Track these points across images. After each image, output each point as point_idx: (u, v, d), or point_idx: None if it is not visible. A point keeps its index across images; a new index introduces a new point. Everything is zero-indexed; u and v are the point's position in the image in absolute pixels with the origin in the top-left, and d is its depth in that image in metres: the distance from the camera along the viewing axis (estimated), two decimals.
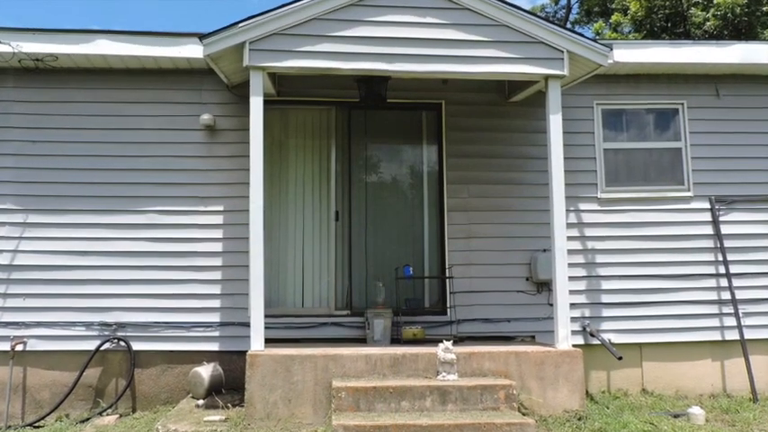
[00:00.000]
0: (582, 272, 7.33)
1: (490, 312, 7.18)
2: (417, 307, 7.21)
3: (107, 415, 6.55)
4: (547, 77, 6.30)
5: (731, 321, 7.33)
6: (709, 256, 7.48)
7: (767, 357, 7.39)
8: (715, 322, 7.38)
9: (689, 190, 7.57)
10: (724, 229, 7.49)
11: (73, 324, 6.81)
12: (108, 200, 6.98)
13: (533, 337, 7.10)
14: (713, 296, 7.42)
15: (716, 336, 7.38)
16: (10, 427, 6.53)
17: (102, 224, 6.96)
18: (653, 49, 7.42)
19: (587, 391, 6.88)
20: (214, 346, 6.88)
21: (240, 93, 7.03)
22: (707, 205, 7.55)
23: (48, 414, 6.62)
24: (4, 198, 6.93)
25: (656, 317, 7.31)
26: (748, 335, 7.30)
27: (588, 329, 7.17)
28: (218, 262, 6.99)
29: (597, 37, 16.93)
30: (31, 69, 7.00)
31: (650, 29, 15.88)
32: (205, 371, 6.46)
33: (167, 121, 7.13)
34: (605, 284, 7.36)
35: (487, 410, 5.31)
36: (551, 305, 6.50)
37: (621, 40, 14.77)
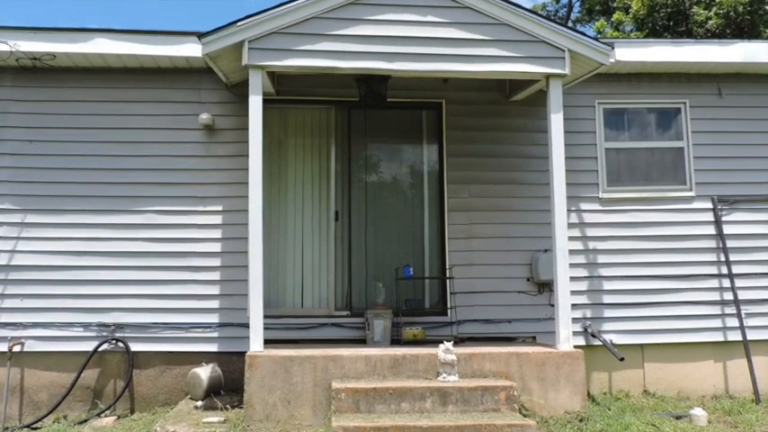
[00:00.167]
0: (583, 272, 7.30)
1: (491, 313, 7.15)
2: (417, 307, 7.18)
3: (105, 416, 6.52)
4: (548, 76, 6.28)
5: (734, 322, 7.30)
6: (712, 257, 7.45)
7: None
8: (717, 323, 7.35)
9: (691, 190, 7.53)
10: (726, 230, 7.45)
11: (71, 325, 6.78)
12: (106, 200, 6.95)
13: (534, 337, 7.06)
14: (715, 297, 7.39)
15: (718, 336, 7.34)
16: (7, 428, 6.50)
17: (100, 224, 6.92)
18: (655, 48, 7.38)
19: (589, 393, 6.84)
20: (213, 347, 6.85)
21: (239, 92, 7.00)
22: (709, 205, 7.51)
23: (45, 415, 6.58)
24: (1, 198, 6.90)
25: (657, 317, 7.28)
26: (751, 336, 7.26)
27: (590, 330, 7.14)
28: (217, 262, 6.95)
29: (599, 36, 16.87)
30: (29, 68, 6.96)
31: (652, 27, 15.86)
32: (204, 372, 6.43)
33: (166, 120, 7.10)
34: (607, 285, 7.33)
35: (488, 412, 5.29)
36: (552, 306, 6.47)
37: (623, 38, 14.74)
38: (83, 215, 6.92)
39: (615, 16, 17.23)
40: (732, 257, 7.38)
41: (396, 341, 6.71)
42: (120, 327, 6.80)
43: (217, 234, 6.99)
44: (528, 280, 7.25)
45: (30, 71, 6.99)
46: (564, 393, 5.80)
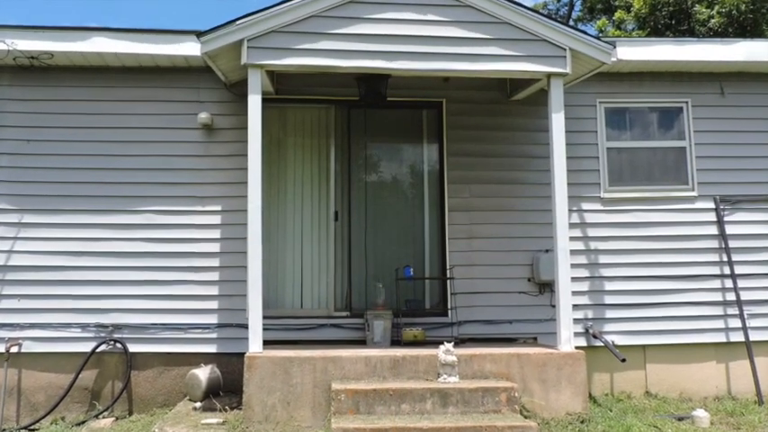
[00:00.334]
0: (585, 273, 7.27)
1: (492, 314, 7.12)
2: (418, 308, 7.16)
3: (103, 418, 6.50)
4: (549, 75, 6.25)
5: (736, 323, 7.26)
6: (714, 257, 7.41)
7: None
8: (720, 324, 7.32)
9: (693, 189, 7.50)
10: (729, 230, 7.42)
11: (68, 326, 6.75)
12: (104, 199, 6.91)
13: (535, 338, 7.04)
14: (718, 297, 7.35)
15: (721, 337, 7.31)
16: (5, 430, 6.47)
17: (98, 224, 6.89)
18: (657, 47, 7.35)
19: (590, 394, 6.81)
20: (212, 348, 6.81)
21: (238, 91, 6.97)
22: (711, 205, 7.47)
23: (43, 417, 6.54)
24: None
25: (659, 318, 7.25)
26: (753, 336, 7.22)
27: (591, 331, 7.10)
28: (215, 263, 6.92)
29: (600, 34, 16.82)
30: (27, 67, 6.94)
31: (654, 26, 15.82)
32: (202, 373, 6.40)
33: (165, 119, 7.06)
34: (608, 285, 7.29)
35: (489, 413, 5.28)
36: (554, 306, 6.45)
37: (625, 37, 14.72)
38: (81, 215, 6.88)
39: (617, 15, 17.19)
40: (734, 258, 7.34)
41: (396, 342, 6.68)
42: (118, 327, 6.77)
43: (216, 234, 6.96)
44: (529, 280, 7.22)
45: (27, 70, 6.96)
46: (565, 394, 5.78)
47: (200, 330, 6.82)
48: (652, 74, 7.58)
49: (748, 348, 7.14)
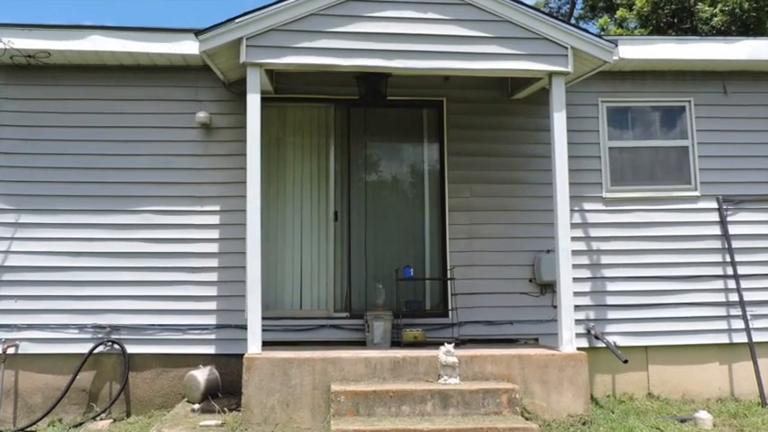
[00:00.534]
0: (586, 273, 7.22)
1: (492, 314, 7.08)
2: (418, 309, 7.12)
3: (101, 419, 6.46)
4: (550, 74, 6.23)
5: (739, 324, 7.22)
6: (717, 257, 7.37)
7: None
8: (722, 325, 7.28)
9: (696, 189, 7.46)
10: (732, 230, 7.38)
11: (66, 326, 6.71)
12: (102, 199, 6.87)
13: (537, 339, 7.00)
14: (721, 298, 7.31)
15: (723, 338, 7.27)
16: (1, 431, 6.42)
17: (95, 224, 6.85)
18: (659, 45, 7.32)
19: (592, 396, 6.77)
20: (210, 349, 6.78)
21: (237, 90, 6.92)
22: (714, 205, 7.43)
23: (40, 419, 6.51)
24: None
25: (662, 319, 7.21)
26: (756, 337, 7.18)
27: (593, 332, 7.06)
28: (214, 263, 6.88)
29: (602, 33, 16.75)
30: (23, 66, 6.90)
31: (656, 24, 15.78)
32: (201, 374, 6.37)
33: (163, 118, 7.02)
34: (610, 286, 7.25)
35: (490, 415, 5.25)
36: (555, 307, 6.42)
37: (627, 36, 14.64)
38: (78, 215, 6.84)
39: (619, 13, 17.15)
40: (737, 258, 7.31)
41: (396, 343, 6.65)
42: (115, 328, 6.73)
43: (214, 234, 6.92)
44: (530, 281, 7.17)
45: (24, 69, 6.92)
46: (567, 396, 5.75)
47: (198, 331, 6.79)
48: (654, 72, 7.53)
49: (751, 350, 7.10)
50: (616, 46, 6.42)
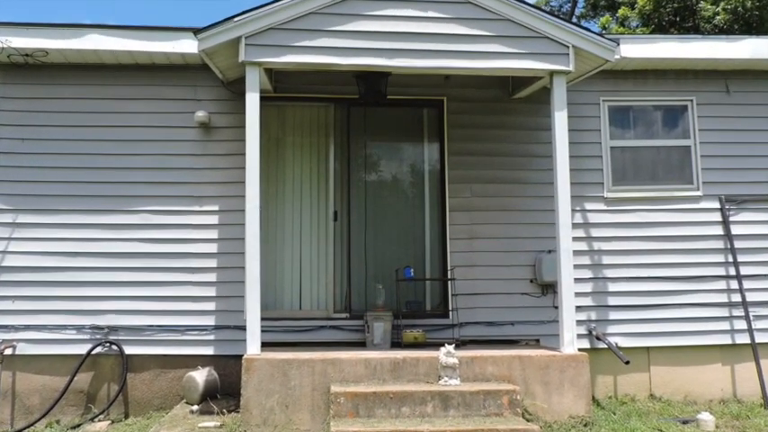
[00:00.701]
0: (588, 273, 7.18)
1: (493, 315, 7.04)
2: (418, 309, 7.09)
3: (99, 421, 6.43)
4: (552, 73, 6.20)
5: (742, 324, 7.18)
6: (719, 258, 7.33)
7: None
8: (725, 325, 7.24)
9: (698, 189, 7.42)
10: (734, 230, 7.34)
11: (63, 327, 6.67)
12: (100, 199, 6.84)
13: (538, 340, 6.98)
14: (723, 298, 7.28)
15: (726, 339, 7.24)
16: None
17: (93, 224, 6.81)
18: (661, 44, 7.29)
19: (593, 397, 6.75)
20: (209, 350, 6.74)
21: (236, 89, 6.89)
22: (717, 205, 7.40)
23: (38, 420, 6.47)
24: None
25: (664, 320, 7.17)
26: (759, 338, 7.15)
27: (594, 333, 7.03)
28: (213, 263, 6.85)
29: (604, 31, 16.70)
30: (21, 65, 6.87)
31: (658, 23, 15.75)
32: (200, 375, 6.33)
33: (161, 118, 6.99)
34: (612, 286, 7.21)
35: (490, 416, 5.22)
36: (556, 308, 6.38)
37: (629, 34, 14.59)
38: (76, 215, 6.80)
39: (620, 12, 17.12)
40: (740, 258, 7.27)
41: (396, 344, 6.63)
42: (114, 329, 6.70)
43: (213, 234, 6.89)
44: (531, 281, 7.14)
45: (22, 68, 6.89)
46: (568, 397, 5.72)
47: (197, 332, 6.75)
48: (656, 71, 7.50)
49: (754, 350, 7.06)
50: (618, 45, 6.39)
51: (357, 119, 7.38)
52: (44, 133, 6.88)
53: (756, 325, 7.17)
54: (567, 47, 6.12)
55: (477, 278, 7.08)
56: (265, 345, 5.84)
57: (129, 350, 6.67)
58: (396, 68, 6.13)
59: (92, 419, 6.46)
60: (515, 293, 7.10)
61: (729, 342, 7.23)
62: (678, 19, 15.55)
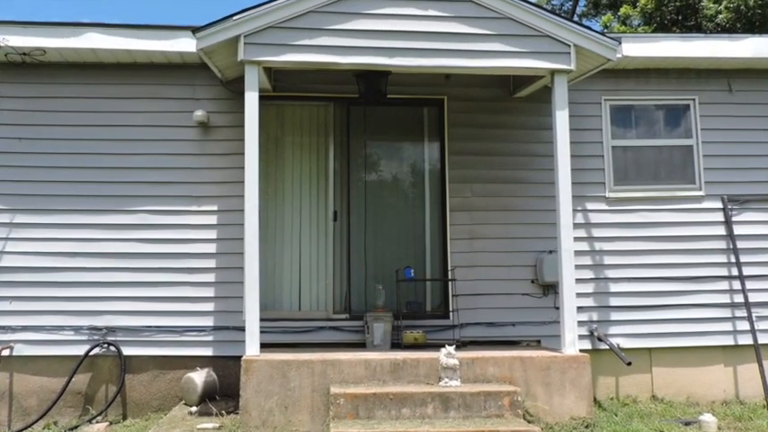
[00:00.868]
0: (589, 274, 7.15)
1: (494, 316, 7.01)
2: (418, 310, 7.06)
3: (97, 422, 6.39)
4: (553, 72, 6.17)
5: (744, 325, 7.15)
6: (722, 258, 7.30)
7: None
8: (727, 326, 7.21)
9: (700, 189, 7.38)
10: (737, 230, 7.30)
11: (61, 328, 6.64)
12: (98, 199, 6.80)
13: (539, 341, 6.95)
14: (726, 299, 7.24)
15: (728, 340, 7.20)
16: None
17: (91, 224, 6.77)
18: (663, 43, 7.26)
19: (595, 398, 6.71)
20: (208, 351, 6.71)
21: (235, 88, 6.85)
22: (719, 205, 7.36)
23: (35, 421, 6.44)
24: None
25: (666, 320, 7.13)
26: (762, 339, 7.10)
27: (596, 334, 7.00)
28: (212, 264, 6.81)
29: (605, 30, 16.63)
30: (18, 64, 6.83)
31: (660, 22, 15.70)
32: (198, 377, 6.31)
33: (159, 117, 6.96)
34: (614, 287, 7.18)
35: (491, 418, 5.19)
36: (558, 308, 6.35)
37: (630, 33, 14.56)
38: (74, 215, 6.77)
39: (622, 10, 17.05)
40: (743, 259, 7.23)
41: (396, 345, 6.60)
42: (112, 330, 6.66)
43: (212, 234, 6.85)
44: (532, 282, 7.11)
45: (19, 67, 6.86)
46: (569, 399, 5.69)
47: (195, 333, 6.72)
48: (658, 70, 7.47)
49: (757, 351, 7.03)
50: (619, 43, 6.36)
51: (357, 118, 7.35)
52: (41, 133, 6.84)
53: (759, 326, 7.13)
54: (569, 46, 6.08)
55: (477, 279, 7.04)
56: (264, 346, 5.81)
57: (127, 351, 6.63)
58: (396, 67, 6.09)
59: (90, 421, 6.42)
60: (516, 294, 7.06)
61: (732, 343, 7.19)
62: (680, 17, 15.50)
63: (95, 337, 6.64)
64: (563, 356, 5.82)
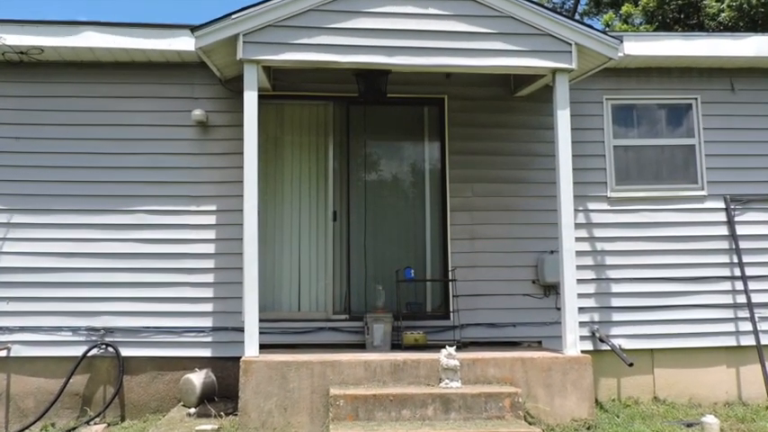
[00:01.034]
0: (591, 274, 7.12)
1: (495, 316, 6.98)
2: (419, 311, 7.04)
3: (95, 424, 6.37)
4: (554, 71, 6.14)
5: (747, 326, 7.11)
6: (724, 258, 7.26)
7: None
8: (730, 327, 7.17)
9: (703, 189, 7.35)
10: (739, 230, 7.27)
11: (59, 329, 6.60)
12: (96, 199, 6.77)
13: (540, 342, 6.93)
14: (728, 300, 7.21)
15: (731, 341, 7.16)
16: None
17: (89, 224, 6.74)
18: (665, 42, 7.22)
19: (596, 399, 6.68)
20: (206, 352, 6.67)
21: (234, 87, 6.82)
22: (721, 205, 7.32)
23: (32, 423, 6.41)
24: None
25: (668, 321, 7.10)
26: (765, 340, 7.07)
27: (597, 335, 6.97)
28: (210, 264, 6.78)
29: (607, 29, 16.65)
30: (16, 63, 6.81)
31: (662, 20, 15.66)
32: (197, 378, 6.29)
33: (158, 116, 6.92)
34: (615, 287, 7.14)
35: (492, 419, 5.18)
36: (559, 309, 6.32)
37: (632, 32, 14.54)
38: (71, 215, 6.74)
39: (624, 9, 17.01)
40: (745, 259, 7.20)
41: (396, 346, 6.58)
42: (110, 331, 6.63)
43: (211, 235, 6.82)
44: (533, 282, 7.07)
45: (16, 66, 6.83)
46: (571, 400, 5.67)
47: (194, 334, 6.68)
48: (660, 69, 7.44)
49: (759, 352, 7.00)
50: (621, 42, 6.33)
51: (357, 117, 7.32)
52: (39, 132, 6.81)
53: (762, 327, 7.09)
54: (570, 44, 6.05)
55: (478, 279, 7.01)
56: (264, 346, 5.79)
57: (125, 352, 6.60)
58: (396, 66, 6.06)
59: (87, 422, 6.40)
60: (517, 294, 7.03)
61: (734, 344, 7.16)
62: (682, 16, 15.45)
63: (93, 338, 6.60)
64: (564, 357, 5.80)
